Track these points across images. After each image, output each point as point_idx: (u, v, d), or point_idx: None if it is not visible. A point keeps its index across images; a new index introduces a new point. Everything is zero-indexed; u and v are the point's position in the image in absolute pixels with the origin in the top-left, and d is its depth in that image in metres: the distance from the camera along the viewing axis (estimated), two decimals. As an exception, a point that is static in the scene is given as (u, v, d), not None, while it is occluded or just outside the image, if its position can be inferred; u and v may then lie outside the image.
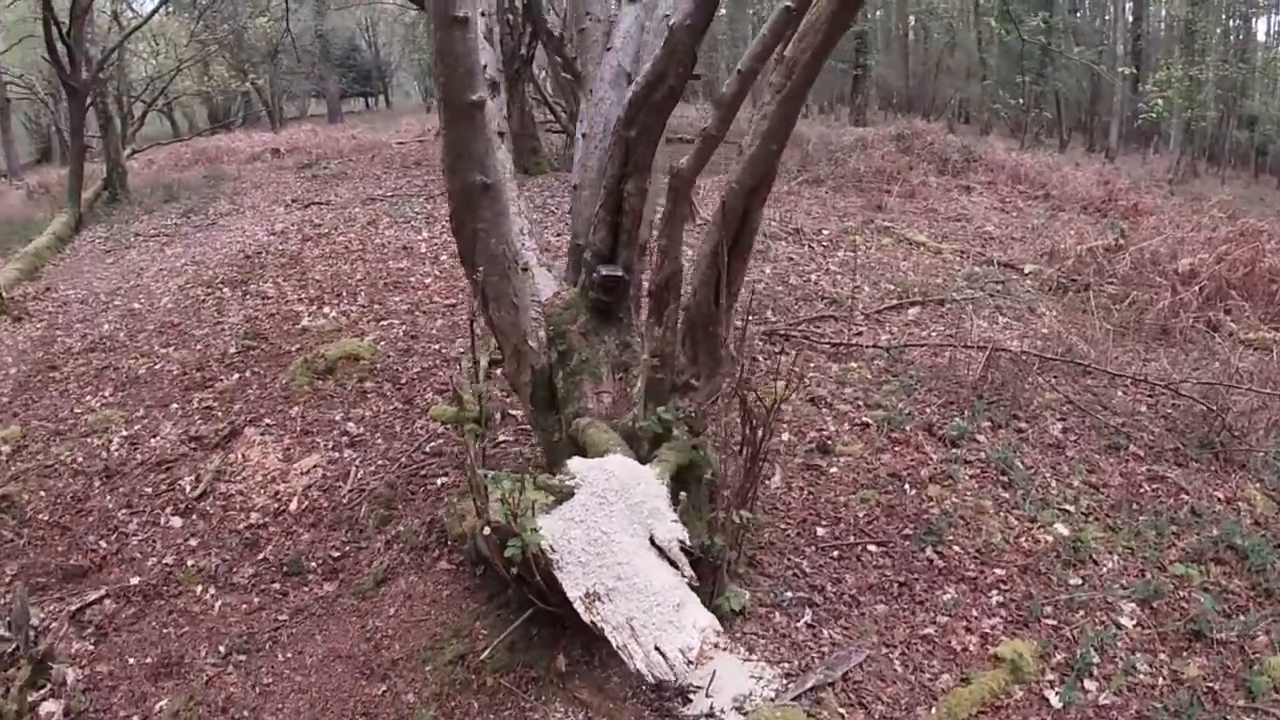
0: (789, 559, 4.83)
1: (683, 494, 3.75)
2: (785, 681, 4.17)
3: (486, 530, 3.63)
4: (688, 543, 3.63)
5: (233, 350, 7.45)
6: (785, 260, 8.94)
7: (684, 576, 3.50)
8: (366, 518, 5.35)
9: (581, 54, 5.22)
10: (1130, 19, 29.71)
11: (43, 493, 5.73)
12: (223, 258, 10.07)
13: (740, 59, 3.93)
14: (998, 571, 4.85)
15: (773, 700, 4.05)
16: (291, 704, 4.16)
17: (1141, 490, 5.40)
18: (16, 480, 5.81)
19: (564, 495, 3.67)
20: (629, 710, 3.92)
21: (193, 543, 5.31)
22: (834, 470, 5.57)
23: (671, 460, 4.00)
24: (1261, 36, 31.84)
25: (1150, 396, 6.29)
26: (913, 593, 4.74)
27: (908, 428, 5.92)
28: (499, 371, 6.64)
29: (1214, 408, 5.65)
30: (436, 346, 7.26)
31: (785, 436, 5.84)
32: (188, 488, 5.71)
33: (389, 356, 7.08)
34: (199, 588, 4.98)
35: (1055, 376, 6.37)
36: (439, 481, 5.54)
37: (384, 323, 7.83)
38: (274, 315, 8.17)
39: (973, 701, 4.25)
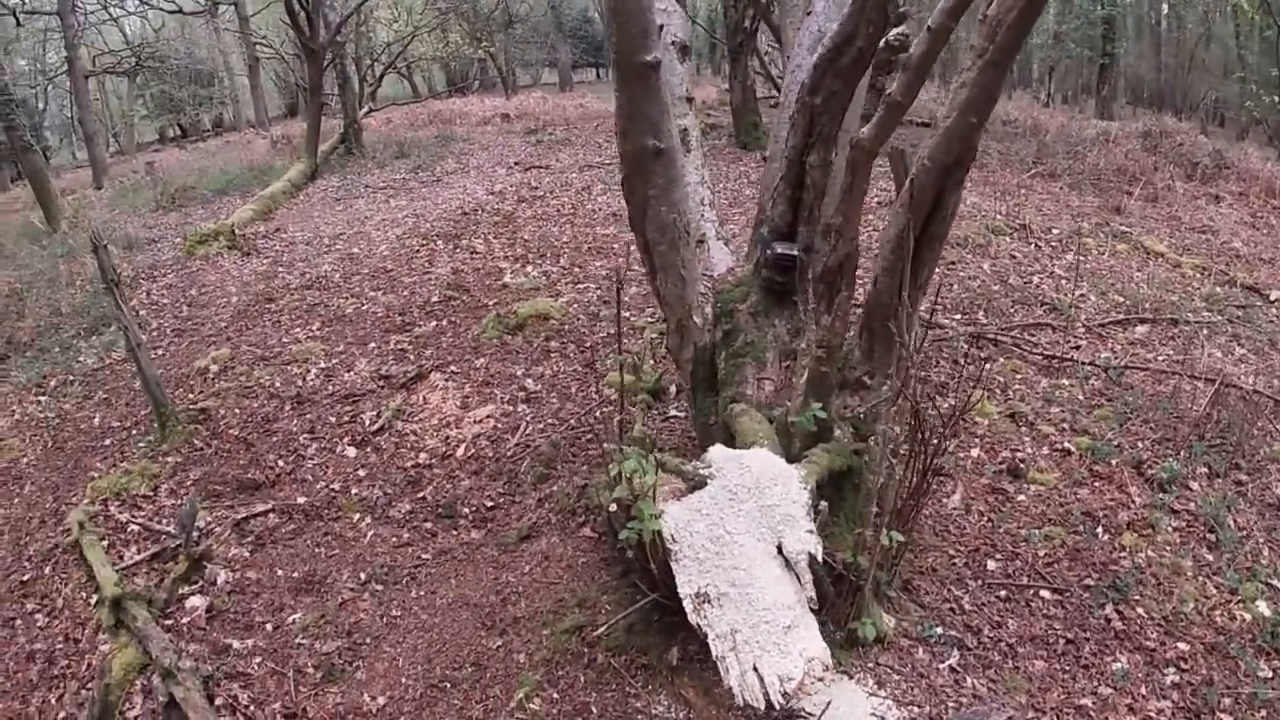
0: (949, 590, 4.25)
1: (824, 504, 3.33)
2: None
3: (614, 507, 3.39)
4: (819, 557, 3.23)
5: (435, 299, 7.55)
6: (1007, 258, 8.06)
7: (805, 596, 3.10)
8: (526, 473, 5.19)
9: (783, 19, 4.79)
10: None
11: (238, 410, 5.99)
12: (442, 213, 10.33)
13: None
14: (1181, 646, 4.06)
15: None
16: (412, 640, 4.09)
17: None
18: (217, 396, 6.13)
19: (696, 484, 3.34)
20: (732, 721, 3.60)
21: (361, 473, 5.36)
22: (1021, 498, 4.88)
23: (823, 463, 3.57)
24: None
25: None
26: (1079, 654, 4.04)
27: (1114, 461, 5.11)
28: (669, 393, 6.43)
29: None
30: (626, 314, 7.02)
31: (975, 452, 5.20)
32: (368, 421, 5.80)
33: (579, 319, 6.94)
34: (357, 515, 5.01)
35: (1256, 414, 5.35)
36: (593, 451, 5.33)
37: (580, 285, 7.72)
38: (479, 270, 8.25)
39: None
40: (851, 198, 3.44)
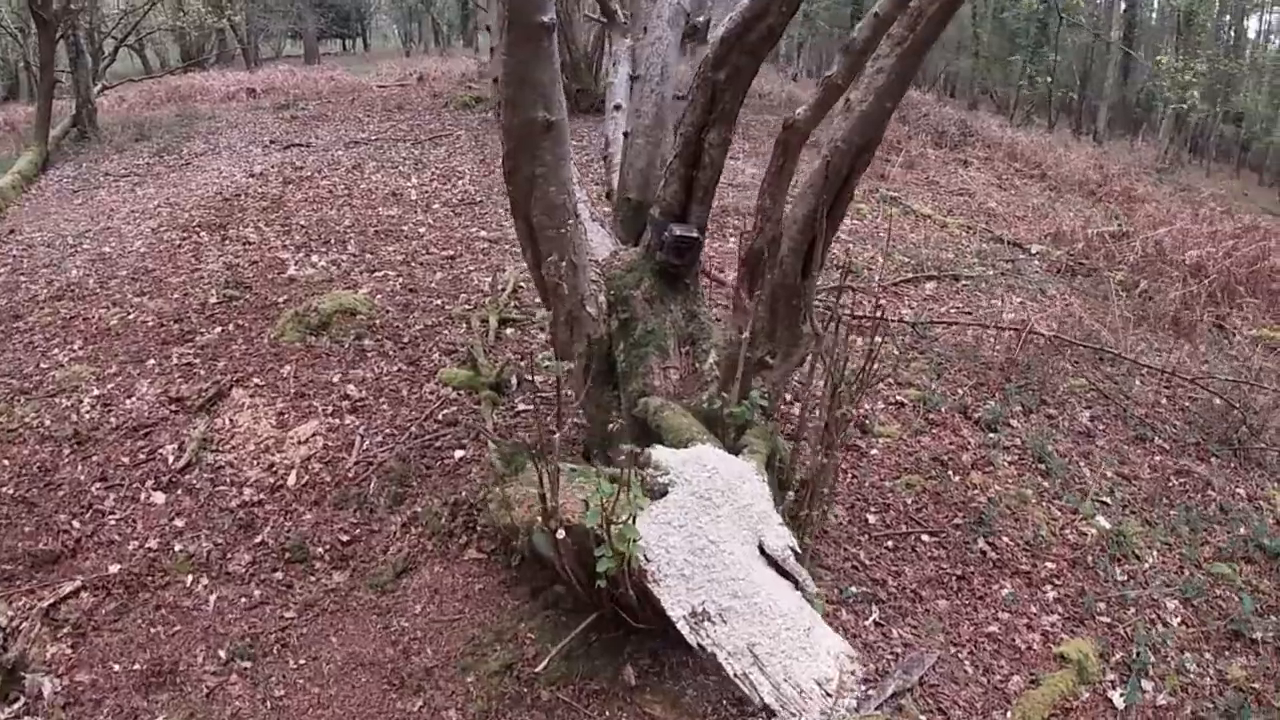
0: (845, 549, 4.13)
1: (790, 494, 3.03)
2: (864, 688, 3.53)
3: (561, 534, 2.86)
4: (797, 549, 2.93)
5: (214, 300, 6.16)
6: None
7: (807, 593, 2.78)
8: (377, 495, 4.34)
9: (631, -10, 4.35)
10: (1125, 4, 27.98)
11: (5, 461, 4.46)
12: (199, 200, 8.66)
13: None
14: (1049, 565, 4.27)
15: (856, 710, 3.40)
16: (312, 720, 3.32)
17: (1170, 484, 4.89)
18: (-28, 448, 4.59)
19: (656, 493, 2.88)
20: (709, 727, 3.22)
21: (179, 523, 4.19)
22: (875, 452, 4.88)
23: (763, 451, 3.21)
24: (1253, 34, 30.90)
25: (1168, 388, 5.78)
26: (971, 587, 4.12)
27: (943, 409, 5.26)
28: (509, 332, 5.77)
29: (1236, 405, 5.16)
30: (438, 302, 6.19)
31: (820, 413, 5.15)
32: (170, 458, 4.55)
33: (388, 311, 5.97)
34: (189, 577, 3.90)
35: (1077, 361, 5.80)
36: (456, 455, 4.58)
37: (378, 274, 6.68)
38: (257, 263, 6.89)
39: (1044, 704, 3.70)
40: (780, 179, 3.11)
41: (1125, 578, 4.27)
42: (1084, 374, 5.62)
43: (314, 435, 4.77)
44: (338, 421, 4.89)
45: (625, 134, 4.13)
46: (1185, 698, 3.83)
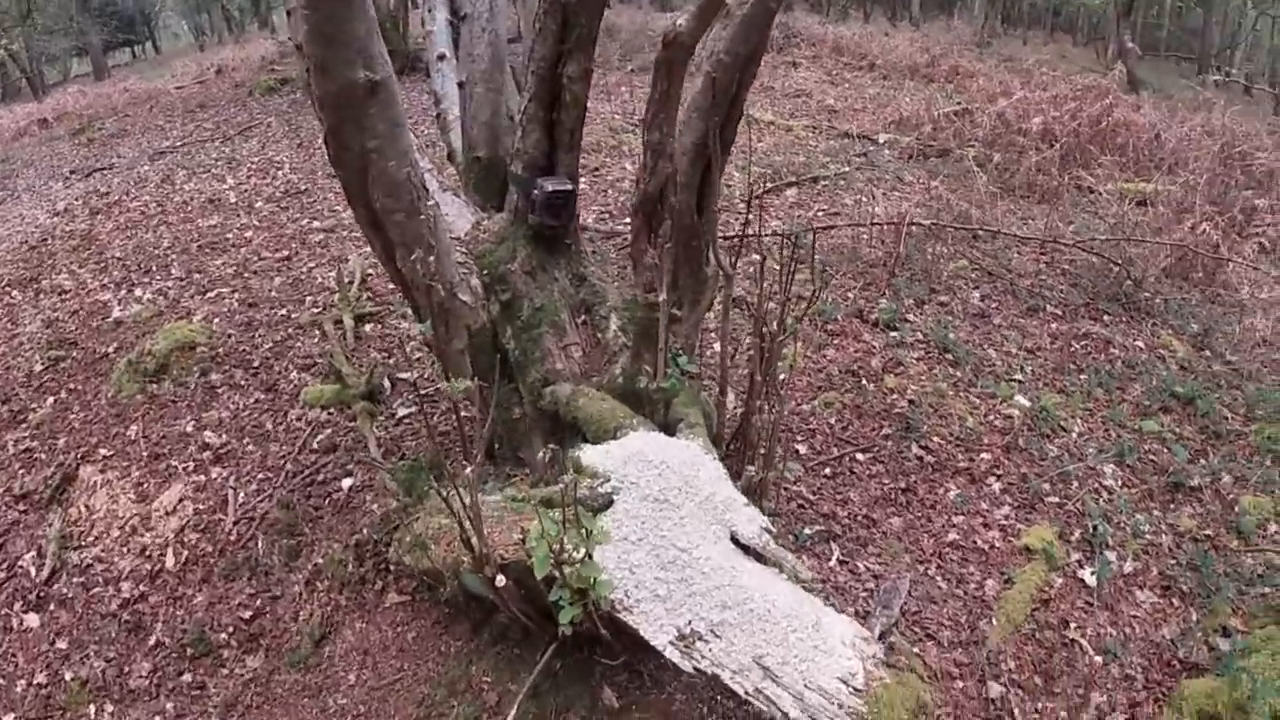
0: (788, 489, 3.73)
1: (751, 468, 2.58)
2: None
3: (501, 580, 2.32)
4: (770, 529, 2.50)
5: (39, 367, 4.99)
6: (639, 155, 7.44)
7: (799, 579, 2.34)
8: (269, 554, 3.60)
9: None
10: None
11: None
12: (2, 255, 7.42)
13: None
14: (985, 457, 4.04)
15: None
16: None
17: (1073, 350, 4.73)
18: None
19: (600, 505, 2.34)
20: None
21: (62, 645, 3.37)
22: (783, 377, 4.52)
23: (700, 422, 2.72)
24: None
25: (1044, 254, 5.62)
26: (919, 497, 3.84)
27: (839, 317, 4.92)
28: (368, 329, 5.00)
29: (1118, 261, 5.06)
30: (283, 312, 5.24)
31: (717, 347, 4.72)
32: (33, 569, 3.66)
33: (229, 336, 4.99)
34: (91, 708, 3.14)
35: (954, 244, 5.56)
36: (344, 485, 3.85)
37: (211, 295, 5.59)
38: (78, 312, 5.65)
39: (1024, 601, 3.50)
40: (668, 106, 2.50)
41: (1059, 452, 4.10)
42: (964, 255, 5.42)
43: (181, 501, 3.95)
44: (203, 478, 4.06)
45: (461, 84, 3.46)
46: (1148, 560, 3.71)
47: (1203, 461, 4.10)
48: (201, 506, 3.89)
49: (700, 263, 2.95)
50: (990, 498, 3.86)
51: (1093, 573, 3.62)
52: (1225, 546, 3.77)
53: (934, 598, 3.47)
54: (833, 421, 4.21)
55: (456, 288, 2.89)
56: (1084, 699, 3.32)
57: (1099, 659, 3.41)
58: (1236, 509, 3.89)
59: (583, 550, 2.05)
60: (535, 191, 2.89)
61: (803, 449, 4.05)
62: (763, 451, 3.10)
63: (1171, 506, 3.94)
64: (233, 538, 3.70)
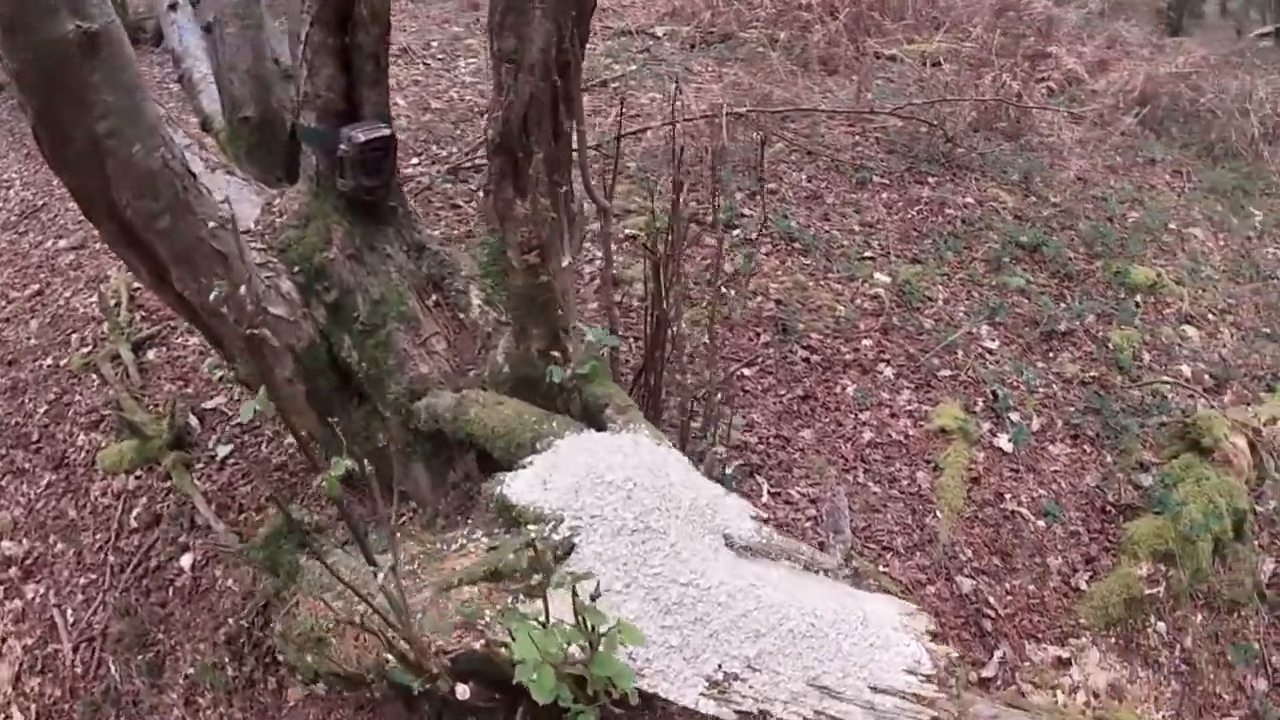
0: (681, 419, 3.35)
1: (719, 448, 2.07)
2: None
3: (465, 692, 1.65)
4: (760, 515, 2.03)
5: None
6: (411, 85, 6.04)
7: (824, 569, 1.91)
8: (128, 679, 2.72)
9: None
10: None
11: None
12: None
13: None
14: (867, 344, 3.79)
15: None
16: None
17: (911, 216, 4.50)
18: None
19: (561, 554, 1.72)
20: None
21: None
22: (636, 303, 4.02)
23: (633, 403, 2.13)
24: None
25: (854, 127, 5.37)
26: (821, 402, 3.50)
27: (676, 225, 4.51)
28: (151, 356, 3.85)
29: (933, 122, 4.95)
30: (49, 361, 3.88)
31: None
32: None
33: None
34: None
35: (764, 129, 5.24)
36: (184, 563, 2.93)
37: None
38: None
39: (959, 484, 3.32)
40: (525, 5, 1.83)
41: (934, 324, 3.93)
42: (778, 138, 5.15)
43: (4, 641, 2.92)
44: (19, 603, 2.99)
45: (207, 28, 2.53)
46: (1051, 413, 3.62)
47: (1064, 305, 4.09)
48: (30, 640, 2.89)
49: (566, 199, 2.35)
50: (887, 385, 3.63)
51: (1010, 440, 3.57)
52: (1112, 385, 3.76)
53: (874, 505, 3.22)
54: (706, 342, 3.84)
55: (264, 300, 2.10)
56: (1043, 566, 3.28)
57: (1041, 523, 3.35)
58: (1110, 346, 3.91)
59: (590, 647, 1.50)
60: (341, 146, 2.05)
61: (689, 379, 3.66)
62: (690, 409, 2.66)
63: (1051, 355, 3.88)
64: (79, 669, 2.76)
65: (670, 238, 2.49)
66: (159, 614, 2.90)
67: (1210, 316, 4.28)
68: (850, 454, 3.33)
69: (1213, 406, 3.68)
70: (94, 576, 3.05)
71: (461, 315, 2.35)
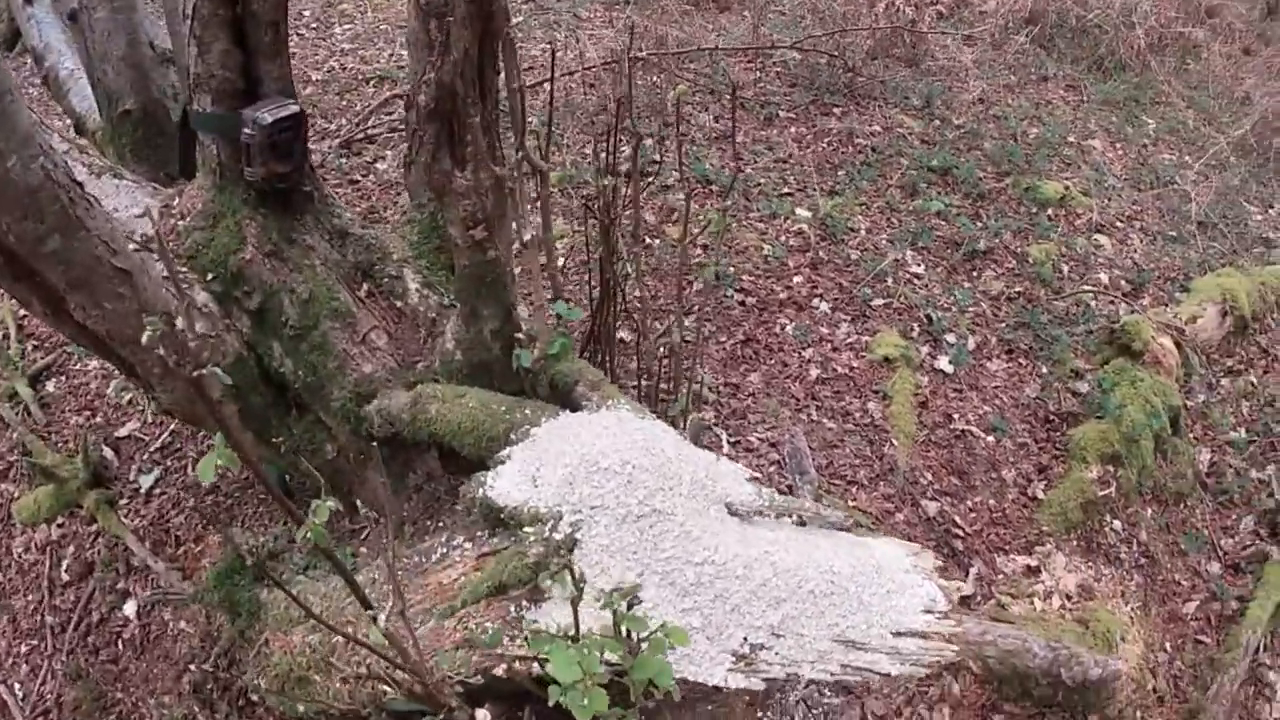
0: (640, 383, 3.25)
1: (698, 416, 1.95)
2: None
3: (484, 717, 1.40)
4: (758, 476, 1.94)
5: None
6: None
7: (831, 522, 1.84)
8: None
9: None
10: None
11: None
12: None
13: None
14: (798, 279, 3.75)
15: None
16: None
17: (821, 148, 4.46)
18: None
19: (564, 551, 1.57)
20: None
21: None
22: (562, 261, 3.86)
23: (604, 376, 1.98)
24: None
25: (751, 62, 5.24)
26: (763, 345, 3.45)
27: (588, 179, 4.31)
28: (50, 387, 3.41)
29: (835, 53, 4.88)
30: None
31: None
32: None
33: None
34: None
35: (665, 72, 5.09)
36: (128, 611, 2.66)
37: None
38: None
39: (909, 410, 3.36)
40: None
41: (860, 254, 3.92)
42: (679, 79, 5.01)
43: None
44: None
45: (73, 16, 2.18)
46: (984, 331, 3.67)
47: (980, 225, 4.14)
48: None
49: (491, 152, 2.15)
50: (825, 320, 3.59)
51: (950, 361, 3.61)
52: (1037, 298, 3.82)
53: (831, 441, 3.20)
54: (637, 294, 3.74)
55: (179, 317, 1.86)
56: (1000, 480, 3.35)
57: (991, 439, 3.41)
58: (1030, 260, 3.97)
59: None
60: (245, 131, 1.79)
61: (625, 334, 3.54)
62: (659, 372, 2.55)
63: (975, 275, 3.93)
64: (39, 749, 2.43)
65: (613, 194, 2.34)
66: (113, 672, 2.63)
67: (1119, 224, 4.42)
68: (800, 393, 3.31)
69: (1135, 311, 3.81)
70: (35, 642, 2.74)
71: (399, 303, 2.15)
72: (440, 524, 2.10)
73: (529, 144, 2.19)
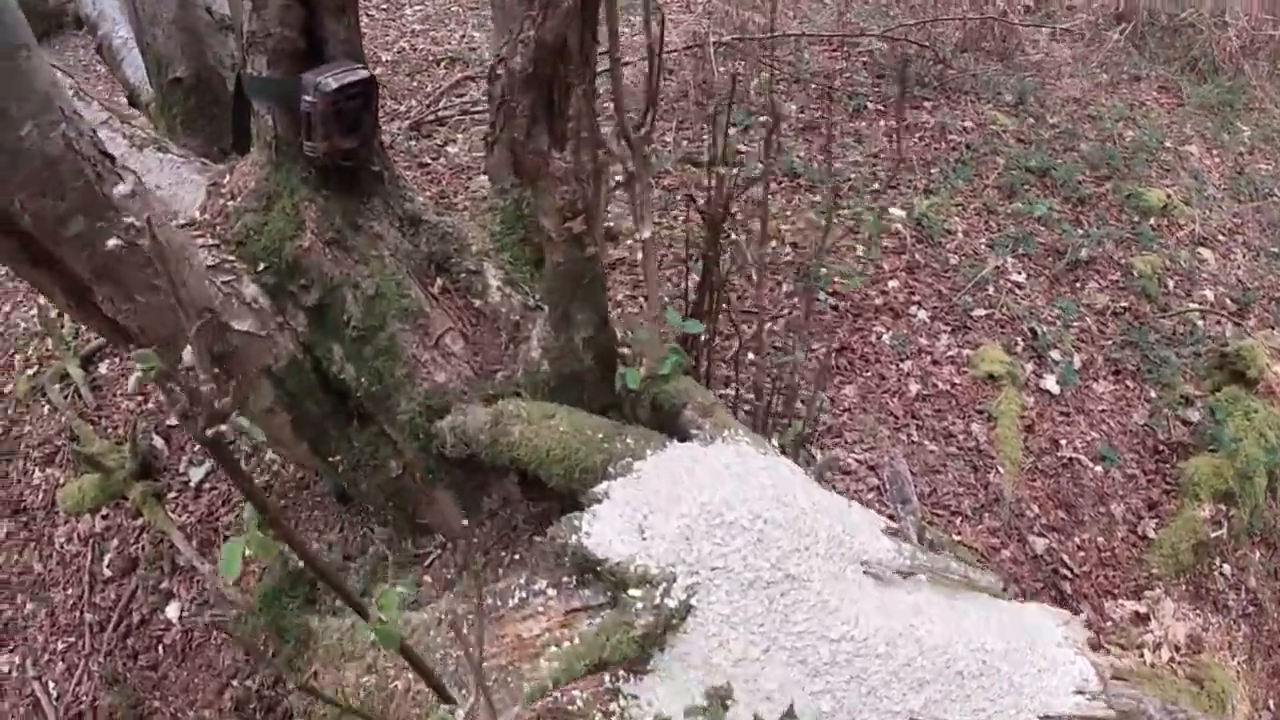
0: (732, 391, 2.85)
1: (828, 454, 1.55)
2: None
3: None
4: (898, 527, 1.55)
5: None
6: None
7: (979, 586, 1.45)
8: None
9: None
10: None
11: None
12: None
13: None
14: (893, 284, 3.31)
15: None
16: None
17: (913, 144, 4.03)
18: None
19: (677, 619, 1.21)
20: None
21: None
22: (637, 256, 3.47)
23: (716, 401, 1.60)
24: None
25: (835, 50, 4.81)
26: (858, 355, 3.02)
27: (670, 167, 3.88)
28: (103, 370, 3.10)
29: (925, 44, 4.40)
30: None
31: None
32: None
33: None
34: None
35: (748, 58, 4.65)
36: (170, 613, 2.35)
37: None
38: None
39: (1015, 433, 2.89)
40: None
41: (958, 259, 3.50)
42: (762, 67, 4.56)
43: None
44: None
45: None
46: (1090, 349, 3.19)
47: (1081, 232, 3.67)
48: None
49: (589, 125, 1.74)
50: (924, 330, 3.16)
51: (1057, 381, 3.16)
52: (1144, 314, 3.32)
53: (933, 465, 2.78)
54: (752, 301, 3.31)
55: (225, 314, 1.52)
56: (1108, 515, 2.90)
57: (1099, 469, 2.95)
58: (1135, 273, 3.46)
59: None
60: (306, 99, 1.43)
61: (762, 356, 3.13)
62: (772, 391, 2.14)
63: (1079, 286, 3.46)
64: None
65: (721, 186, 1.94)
66: (151, 678, 2.32)
67: (1221, 237, 3.89)
68: (899, 410, 2.88)
69: (1244, 333, 3.32)
70: (72, 639, 2.45)
71: (477, 302, 1.78)
72: (517, 556, 1.74)
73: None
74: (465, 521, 1.76)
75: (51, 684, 2.41)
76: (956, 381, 3.01)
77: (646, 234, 1.48)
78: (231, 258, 1.52)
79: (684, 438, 1.53)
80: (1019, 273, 3.44)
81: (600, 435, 1.49)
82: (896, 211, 3.59)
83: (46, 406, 2.92)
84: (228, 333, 1.48)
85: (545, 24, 1.34)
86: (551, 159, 1.44)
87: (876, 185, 3.73)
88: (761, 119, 4.09)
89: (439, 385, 1.66)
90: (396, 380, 1.65)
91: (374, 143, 1.64)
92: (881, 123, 4.10)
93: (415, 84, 4.15)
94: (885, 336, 3.08)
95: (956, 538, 2.57)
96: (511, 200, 1.79)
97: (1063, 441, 2.91)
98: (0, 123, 1.14)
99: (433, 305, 1.74)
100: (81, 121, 1.22)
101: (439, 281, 1.79)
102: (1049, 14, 5.14)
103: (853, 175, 3.71)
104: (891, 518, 2.59)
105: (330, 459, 1.73)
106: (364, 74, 1.49)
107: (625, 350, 1.56)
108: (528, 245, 1.79)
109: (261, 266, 1.55)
